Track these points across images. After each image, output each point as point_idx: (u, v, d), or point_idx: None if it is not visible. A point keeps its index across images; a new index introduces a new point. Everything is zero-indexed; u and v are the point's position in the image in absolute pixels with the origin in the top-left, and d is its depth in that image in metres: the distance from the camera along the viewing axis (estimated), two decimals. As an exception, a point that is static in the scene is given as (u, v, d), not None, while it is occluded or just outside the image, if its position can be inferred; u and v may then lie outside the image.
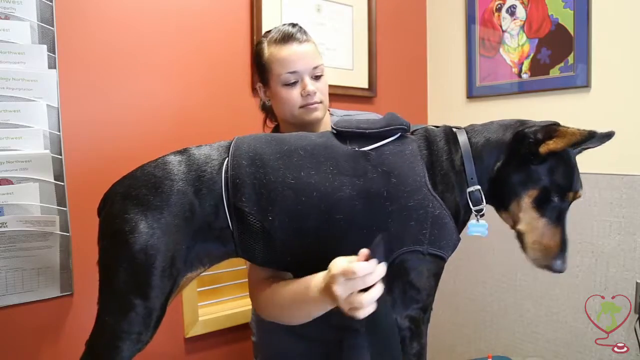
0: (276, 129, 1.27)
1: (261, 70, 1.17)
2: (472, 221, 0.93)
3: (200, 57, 1.56)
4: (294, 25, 1.15)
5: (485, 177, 0.89)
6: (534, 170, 0.85)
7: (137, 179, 0.85)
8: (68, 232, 1.30)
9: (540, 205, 0.85)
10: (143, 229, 0.80)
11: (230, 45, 1.62)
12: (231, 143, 0.90)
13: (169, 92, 1.50)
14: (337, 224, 0.85)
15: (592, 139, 0.81)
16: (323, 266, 0.89)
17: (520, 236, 0.88)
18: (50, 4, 1.26)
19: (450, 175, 0.89)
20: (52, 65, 1.27)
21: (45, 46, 1.25)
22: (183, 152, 0.89)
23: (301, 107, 1.13)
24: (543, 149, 0.83)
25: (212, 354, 1.64)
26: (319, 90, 1.14)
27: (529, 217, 0.86)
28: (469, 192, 0.88)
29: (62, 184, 1.29)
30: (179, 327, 1.56)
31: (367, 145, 0.90)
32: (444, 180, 0.88)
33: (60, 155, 1.29)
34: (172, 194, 0.82)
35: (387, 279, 0.87)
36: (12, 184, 1.21)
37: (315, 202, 0.85)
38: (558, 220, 0.86)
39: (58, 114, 1.28)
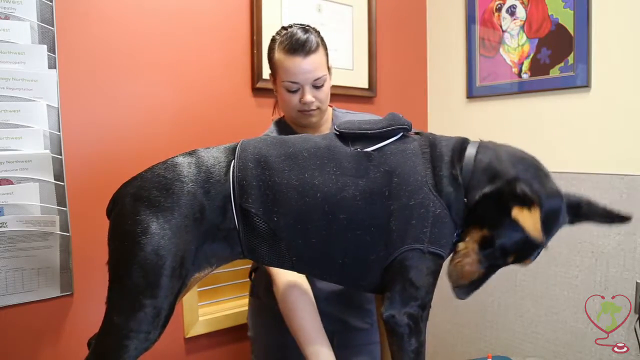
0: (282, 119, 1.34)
1: (271, 66, 1.24)
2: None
3: (201, 57, 1.56)
4: (305, 30, 1.18)
5: (473, 195, 0.88)
6: (502, 219, 0.84)
7: (148, 180, 0.86)
8: (68, 232, 1.30)
9: (484, 246, 0.87)
10: (154, 230, 0.80)
11: (230, 45, 1.62)
12: (237, 145, 0.91)
13: (169, 92, 1.50)
14: (341, 224, 0.86)
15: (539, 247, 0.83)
16: (328, 265, 0.91)
17: (455, 253, 0.89)
18: (50, 4, 1.26)
19: (450, 180, 0.89)
20: (52, 65, 1.27)
21: (45, 46, 1.25)
22: (192, 153, 0.90)
23: (299, 111, 1.21)
24: (514, 213, 0.82)
25: (212, 354, 1.64)
26: (317, 99, 1.20)
27: (471, 245, 0.88)
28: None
29: (62, 184, 1.29)
30: (179, 327, 1.56)
31: (370, 146, 0.91)
32: (445, 181, 0.89)
33: (60, 155, 1.29)
34: (182, 195, 0.83)
35: (387, 277, 0.88)
36: (12, 184, 1.22)
37: (319, 202, 0.86)
38: (489, 266, 0.88)
39: (58, 114, 1.28)
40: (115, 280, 0.83)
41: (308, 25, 1.22)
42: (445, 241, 0.87)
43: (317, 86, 1.19)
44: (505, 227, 0.84)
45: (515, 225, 0.81)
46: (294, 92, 1.19)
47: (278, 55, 1.19)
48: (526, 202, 0.81)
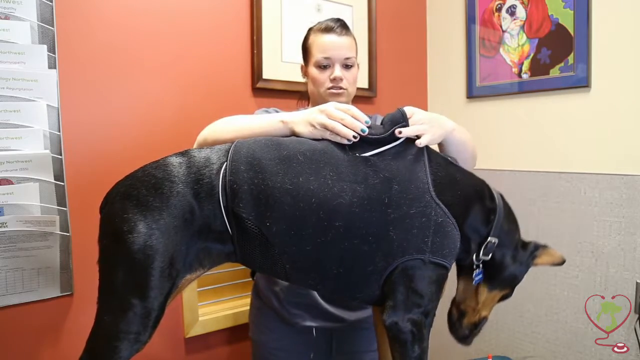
0: None
1: (304, 52, 1.32)
2: (477, 270, 0.98)
3: (201, 57, 1.56)
4: (338, 20, 1.29)
5: (501, 252, 0.98)
6: (520, 275, 1.01)
7: (138, 179, 0.85)
8: (68, 232, 1.30)
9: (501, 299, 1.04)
10: (142, 229, 0.79)
11: (230, 45, 1.62)
12: (231, 146, 0.89)
13: (168, 92, 1.50)
14: (337, 231, 0.84)
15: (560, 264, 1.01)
16: (323, 274, 0.88)
17: (476, 316, 1.03)
18: (50, 4, 1.26)
19: (473, 199, 0.93)
20: (52, 65, 1.27)
21: (45, 46, 1.25)
22: (184, 153, 0.88)
23: (328, 89, 1.25)
24: (539, 261, 1.00)
25: (212, 354, 1.64)
26: (346, 79, 1.25)
27: (491, 307, 1.05)
28: (487, 242, 0.93)
29: (62, 184, 1.29)
30: (179, 327, 1.56)
31: (369, 150, 0.88)
32: (457, 193, 0.89)
33: (60, 155, 1.29)
34: (171, 196, 0.82)
35: (387, 287, 0.86)
36: (12, 184, 1.22)
37: (313, 208, 0.83)
38: None
39: (58, 114, 1.28)
40: (104, 279, 0.82)
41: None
42: (448, 251, 0.86)
43: (347, 66, 1.25)
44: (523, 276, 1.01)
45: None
46: (325, 68, 1.24)
47: (313, 36, 1.27)
48: (540, 248, 1.00)
